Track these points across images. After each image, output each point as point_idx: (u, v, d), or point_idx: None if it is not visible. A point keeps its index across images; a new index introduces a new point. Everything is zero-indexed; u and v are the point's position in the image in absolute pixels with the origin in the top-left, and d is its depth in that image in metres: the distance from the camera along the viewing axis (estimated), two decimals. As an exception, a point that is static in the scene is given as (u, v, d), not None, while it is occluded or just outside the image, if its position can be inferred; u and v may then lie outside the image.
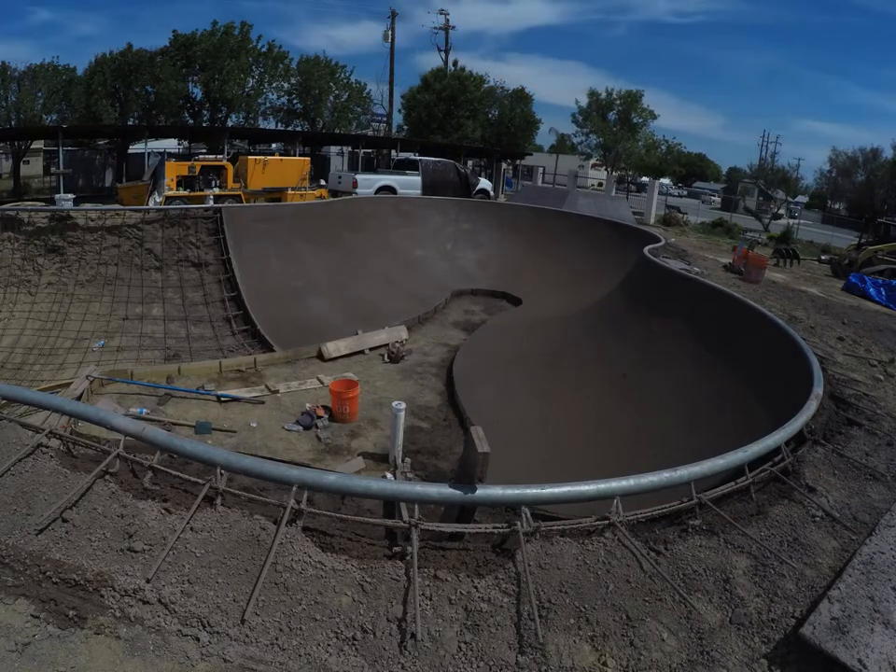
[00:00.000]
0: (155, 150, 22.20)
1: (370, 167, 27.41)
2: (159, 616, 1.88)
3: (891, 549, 2.41)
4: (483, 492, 2.33)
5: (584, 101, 33.64)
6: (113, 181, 22.00)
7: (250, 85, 29.12)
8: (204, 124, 28.06)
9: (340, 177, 19.62)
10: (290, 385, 6.94)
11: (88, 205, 11.89)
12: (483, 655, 1.91)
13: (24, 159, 24.07)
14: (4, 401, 3.42)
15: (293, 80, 30.62)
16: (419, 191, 18.89)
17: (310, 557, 2.12)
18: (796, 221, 30.11)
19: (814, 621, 2.02)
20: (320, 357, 7.86)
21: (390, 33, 32.91)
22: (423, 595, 2.05)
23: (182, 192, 15.61)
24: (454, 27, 36.40)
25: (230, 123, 28.76)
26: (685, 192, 51.07)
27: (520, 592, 2.10)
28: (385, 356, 8.15)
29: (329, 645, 1.89)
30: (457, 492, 2.33)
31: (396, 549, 2.26)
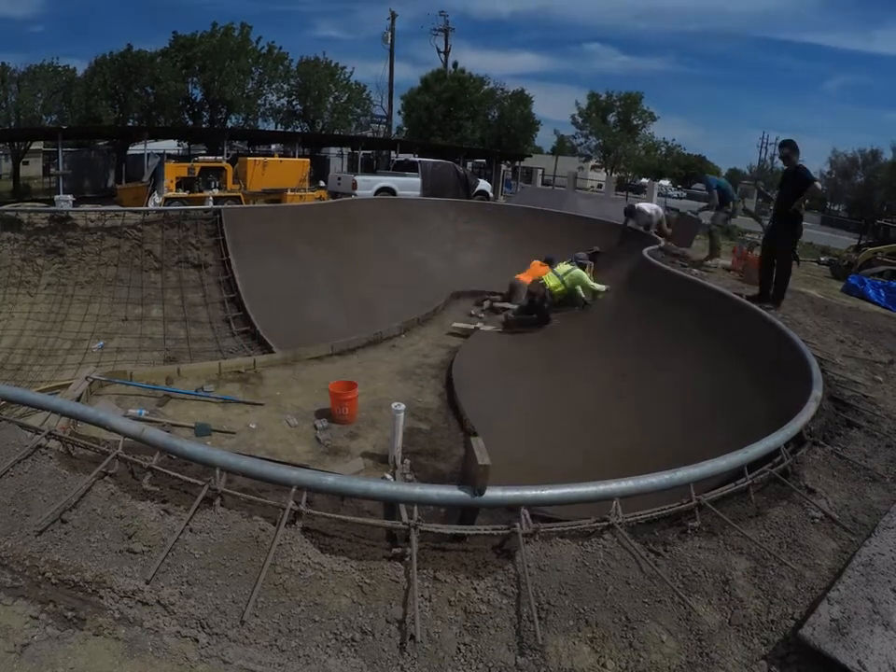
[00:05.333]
0: (154, 151, 22.20)
1: (369, 168, 27.41)
2: (158, 617, 1.87)
3: (891, 550, 2.41)
4: (482, 493, 2.33)
5: (584, 103, 33.76)
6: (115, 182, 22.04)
7: (250, 86, 29.19)
8: (204, 125, 28.11)
9: (339, 179, 19.64)
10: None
11: (87, 206, 11.89)
12: (483, 657, 1.91)
13: (24, 160, 24.09)
14: (3, 402, 3.42)
15: (293, 81, 30.68)
16: (419, 193, 18.91)
17: (309, 559, 2.11)
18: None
19: (813, 622, 2.02)
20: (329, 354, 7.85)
21: (390, 34, 32.96)
22: (422, 596, 2.04)
23: (181, 193, 15.61)
24: (453, 29, 36.45)
25: (229, 124, 28.82)
26: (685, 194, 51.06)
27: (519, 593, 2.10)
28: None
29: (328, 646, 1.88)
30: (457, 493, 2.33)
31: (395, 550, 2.26)
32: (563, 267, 8.87)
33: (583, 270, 9.32)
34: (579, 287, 8.88)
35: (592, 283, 9.11)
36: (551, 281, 8.39)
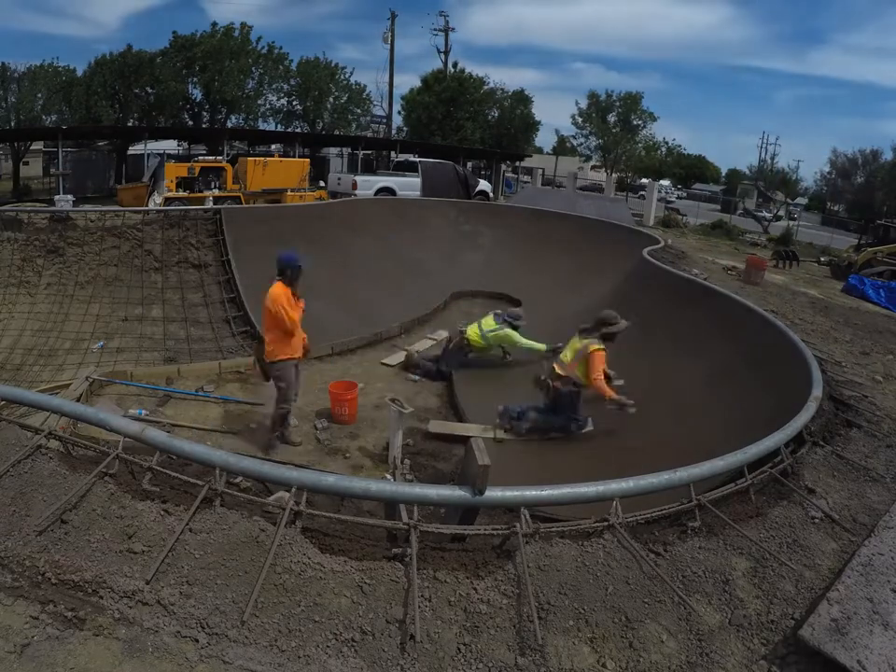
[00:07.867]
0: (154, 151, 22.19)
1: (369, 169, 27.40)
2: (157, 617, 1.87)
3: (890, 550, 2.41)
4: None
5: (584, 102, 33.78)
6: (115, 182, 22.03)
7: (250, 86, 29.15)
8: (204, 125, 28.07)
9: (339, 179, 19.62)
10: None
11: (87, 206, 11.89)
12: (483, 657, 1.91)
13: (24, 160, 24.06)
14: (3, 402, 3.42)
15: (293, 82, 30.65)
16: (419, 193, 18.89)
17: (309, 559, 2.11)
18: (795, 223, 30.14)
19: (813, 622, 2.03)
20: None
21: (390, 35, 32.95)
22: (422, 596, 2.04)
23: (181, 193, 15.59)
24: (453, 28, 36.43)
25: (229, 124, 28.76)
26: (684, 194, 51.09)
27: (519, 593, 2.10)
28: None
29: (328, 647, 1.89)
30: (456, 493, 2.33)
31: (395, 550, 2.26)
32: (489, 322, 7.67)
33: (515, 329, 7.74)
34: (504, 346, 7.89)
35: (525, 341, 7.65)
36: (472, 333, 7.47)
